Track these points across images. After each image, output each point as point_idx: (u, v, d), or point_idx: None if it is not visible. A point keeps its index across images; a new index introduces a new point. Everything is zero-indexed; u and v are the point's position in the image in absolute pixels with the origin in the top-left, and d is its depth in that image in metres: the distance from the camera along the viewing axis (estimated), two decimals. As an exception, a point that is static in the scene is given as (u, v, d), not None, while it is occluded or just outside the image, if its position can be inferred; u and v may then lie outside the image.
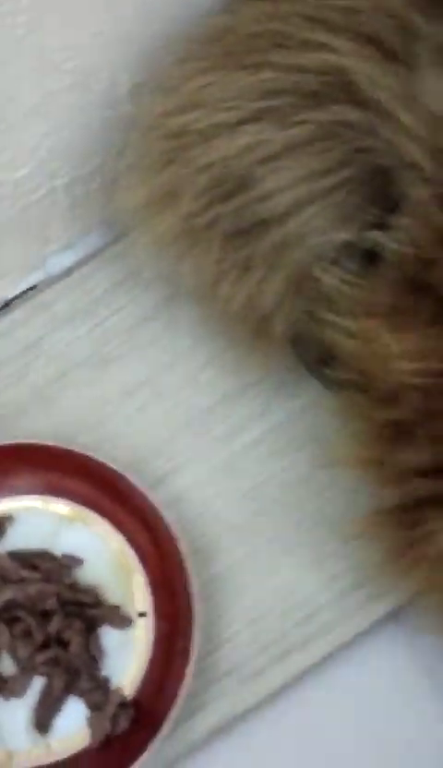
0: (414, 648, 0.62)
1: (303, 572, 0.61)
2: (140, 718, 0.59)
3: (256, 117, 0.52)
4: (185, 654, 0.58)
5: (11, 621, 0.60)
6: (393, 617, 0.62)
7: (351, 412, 0.52)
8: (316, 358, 0.56)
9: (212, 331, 0.64)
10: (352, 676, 0.62)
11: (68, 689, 0.60)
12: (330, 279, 0.53)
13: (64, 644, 0.59)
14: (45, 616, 0.60)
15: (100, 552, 0.62)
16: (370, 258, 0.52)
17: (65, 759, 0.59)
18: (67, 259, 0.68)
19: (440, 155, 0.48)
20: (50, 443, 0.62)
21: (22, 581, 0.60)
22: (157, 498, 0.61)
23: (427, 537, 0.50)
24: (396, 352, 0.48)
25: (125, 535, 0.62)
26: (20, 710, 0.59)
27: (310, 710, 0.62)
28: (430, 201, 0.48)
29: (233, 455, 0.64)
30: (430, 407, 0.49)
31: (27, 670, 0.59)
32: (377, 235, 0.51)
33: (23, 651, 0.59)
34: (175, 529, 0.60)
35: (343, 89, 0.50)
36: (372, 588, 0.60)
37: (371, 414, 0.51)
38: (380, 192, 0.52)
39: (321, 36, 0.50)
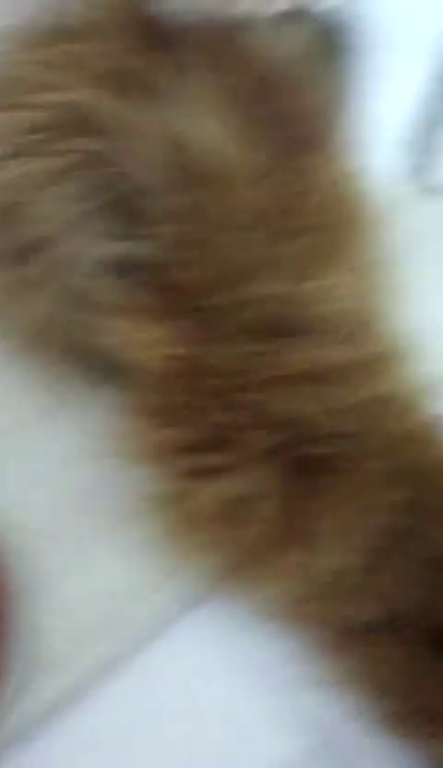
0: (224, 630, 0.66)
1: (111, 567, 0.66)
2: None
3: (18, 153, 0.59)
4: (6, 654, 0.63)
5: None
6: (201, 600, 0.67)
7: (124, 407, 0.59)
8: (96, 366, 0.63)
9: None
10: (164, 661, 0.66)
11: None
12: (99, 290, 0.60)
13: None
14: None
15: None
16: (132, 267, 0.60)
17: None
18: None
19: (176, 172, 0.56)
20: None
21: None
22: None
23: (193, 508, 0.56)
24: (151, 342, 0.55)
25: None
26: None
27: (125, 698, 0.66)
28: (168, 214, 0.56)
29: (43, 468, 0.69)
30: (185, 388, 0.56)
31: None
32: (135, 246, 0.59)
33: None
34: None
35: (90, 122, 0.58)
36: (176, 574, 0.65)
37: (139, 405, 0.57)
38: (136, 209, 0.59)
39: (65, 77, 0.58)
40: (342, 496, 0.55)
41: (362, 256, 0.60)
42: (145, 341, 0.56)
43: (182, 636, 0.67)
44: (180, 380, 0.56)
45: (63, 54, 0.58)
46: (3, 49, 0.60)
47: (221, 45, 0.58)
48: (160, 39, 0.59)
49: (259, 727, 0.66)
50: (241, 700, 0.66)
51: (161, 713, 0.66)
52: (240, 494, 0.56)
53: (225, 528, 0.57)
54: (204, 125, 0.55)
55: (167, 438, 0.57)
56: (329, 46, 0.62)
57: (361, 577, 0.55)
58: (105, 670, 0.65)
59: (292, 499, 0.55)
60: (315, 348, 0.55)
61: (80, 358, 0.64)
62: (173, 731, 0.66)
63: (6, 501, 0.68)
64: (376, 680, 0.57)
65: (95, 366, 0.63)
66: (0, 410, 0.70)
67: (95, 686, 0.66)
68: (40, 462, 0.69)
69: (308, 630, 0.60)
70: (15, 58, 0.60)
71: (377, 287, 0.60)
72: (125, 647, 0.66)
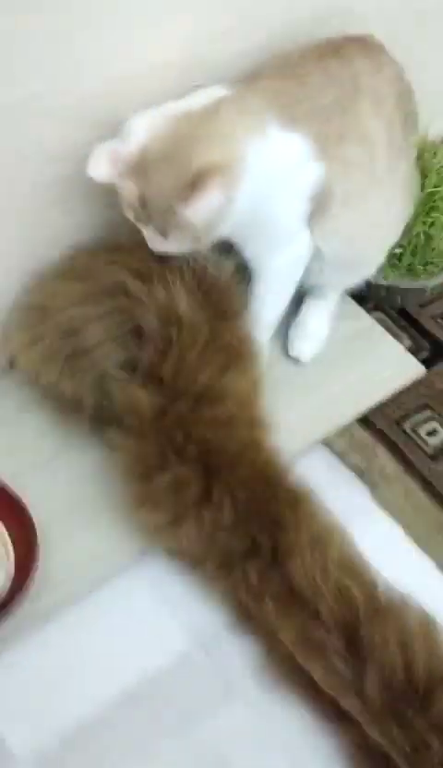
0: (158, 587, 1.14)
1: (91, 535, 1.18)
2: (6, 603, 1.13)
3: (83, 302, 1.17)
4: (31, 577, 1.12)
5: None
6: (141, 561, 1.17)
7: (121, 453, 1.14)
8: (102, 417, 1.18)
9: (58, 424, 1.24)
10: (109, 609, 1.13)
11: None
12: (116, 378, 1.16)
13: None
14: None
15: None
16: (136, 365, 1.16)
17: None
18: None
19: (166, 320, 1.14)
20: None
21: None
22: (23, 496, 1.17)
23: (154, 488, 1.11)
24: (142, 403, 1.12)
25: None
26: None
27: (73, 639, 1.11)
28: (159, 339, 1.14)
29: (59, 482, 1.22)
30: (154, 428, 1.12)
31: None
32: (140, 355, 1.16)
33: None
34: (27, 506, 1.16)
35: (127, 291, 1.16)
36: (123, 539, 1.16)
37: (129, 440, 1.13)
38: (142, 334, 1.16)
39: (116, 270, 1.17)
40: (229, 484, 1.11)
41: (251, 381, 1.19)
42: (138, 404, 1.12)
43: (127, 585, 1.16)
44: (152, 424, 1.11)
45: (112, 258, 1.18)
46: (89, 254, 1.20)
47: (185, 263, 1.17)
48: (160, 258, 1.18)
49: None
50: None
51: (103, 657, 1.13)
52: (179, 480, 1.11)
53: (169, 497, 1.11)
54: (181, 299, 1.15)
55: (144, 455, 1.12)
56: (241, 268, 1.22)
57: (231, 523, 1.10)
58: (88, 592, 1.15)
59: (204, 483, 1.11)
60: (222, 415, 1.13)
61: (95, 414, 1.20)
62: (111, 676, 1.11)
63: (35, 500, 1.19)
64: (242, 596, 1.09)
65: (102, 418, 1.19)
66: (42, 440, 1.24)
67: (77, 602, 1.15)
68: (59, 476, 1.23)
69: (206, 564, 1.12)
70: (98, 257, 1.19)
71: (257, 394, 1.19)
72: (95, 585, 1.15)
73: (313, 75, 1.13)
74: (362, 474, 1.28)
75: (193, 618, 1.14)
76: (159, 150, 1.04)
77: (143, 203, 1.06)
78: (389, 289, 1.42)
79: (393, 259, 1.38)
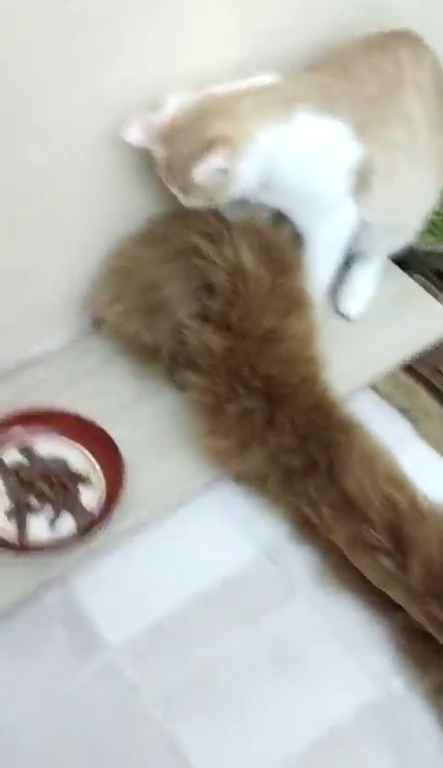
0: (228, 507, 1.33)
1: (167, 465, 1.37)
2: (99, 519, 1.32)
3: (159, 262, 1.36)
4: (119, 497, 1.32)
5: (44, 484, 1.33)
6: (213, 485, 1.36)
7: (195, 390, 1.32)
8: (178, 361, 1.37)
9: (138, 371, 1.43)
10: (187, 525, 1.32)
11: (69, 510, 1.33)
12: (191, 326, 1.35)
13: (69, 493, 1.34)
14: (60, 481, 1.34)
15: (77, 455, 1.38)
16: (207, 314, 1.34)
17: (62, 538, 1.31)
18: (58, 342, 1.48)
19: (233, 274, 1.33)
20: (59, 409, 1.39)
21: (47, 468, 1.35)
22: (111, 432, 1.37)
23: (223, 419, 1.30)
24: (213, 346, 1.30)
25: (88, 448, 1.38)
26: (44, 518, 1.31)
27: (156, 549, 1.29)
28: (226, 291, 1.33)
29: (140, 420, 1.41)
30: (224, 366, 1.30)
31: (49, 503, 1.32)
32: (210, 305, 1.34)
33: (49, 494, 1.33)
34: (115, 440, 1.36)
35: (197, 251, 1.35)
36: (197, 466, 1.35)
37: (202, 379, 1.32)
38: (213, 288, 1.34)
39: (189, 234, 1.36)
40: (289, 412, 1.30)
41: (307, 325, 1.37)
42: (210, 346, 1.30)
43: (201, 505, 1.35)
44: (222, 362, 1.29)
45: (185, 224, 1.37)
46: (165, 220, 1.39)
47: (248, 227, 1.36)
48: (224, 221, 1.37)
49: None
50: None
51: (180, 565, 1.30)
52: (246, 410, 1.29)
53: (238, 425, 1.29)
54: (246, 256, 1.33)
55: (215, 389, 1.30)
56: (295, 231, 1.40)
57: (292, 446, 1.28)
58: (167, 512, 1.33)
59: (268, 412, 1.29)
60: (283, 353, 1.31)
61: (171, 359, 1.38)
62: (187, 582, 1.28)
63: (121, 435, 1.37)
64: (303, 508, 1.27)
65: (177, 362, 1.37)
66: (125, 385, 1.43)
67: (159, 520, 1.33)
68: (141, 415, 1.42)
69: (270, 482, 1.31)
70: (172, 224, 1.39)
71: (314, 336, 1.36)
72: (173, 505, 1.34)
73: (359, 67, 1.31)
74: (405, 411, 1.45)
75: (259, 531, 1.32)
76: (185, 121, 1.23)
77: (169, 165, 1.25)
78: (428, 254, 1.60)
79: (432, 227, 1.55)
